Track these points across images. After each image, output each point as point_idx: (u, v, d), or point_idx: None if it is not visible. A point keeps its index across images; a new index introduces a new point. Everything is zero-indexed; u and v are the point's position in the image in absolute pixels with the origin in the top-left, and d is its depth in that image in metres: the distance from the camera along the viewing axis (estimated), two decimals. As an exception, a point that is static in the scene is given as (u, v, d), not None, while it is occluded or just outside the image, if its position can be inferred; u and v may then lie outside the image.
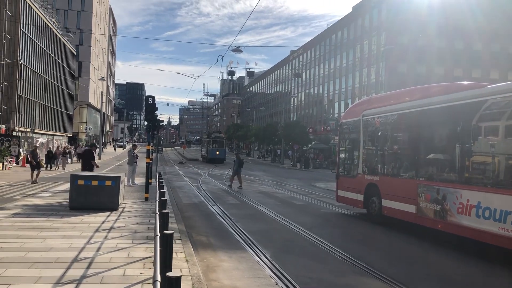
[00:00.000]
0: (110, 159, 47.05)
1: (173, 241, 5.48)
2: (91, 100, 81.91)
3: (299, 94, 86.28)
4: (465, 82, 13.08)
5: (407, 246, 10.32)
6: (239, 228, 11.32)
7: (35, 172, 20.61)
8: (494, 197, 8.66)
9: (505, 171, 8.71)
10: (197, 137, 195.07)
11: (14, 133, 41.38)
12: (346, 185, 14.99)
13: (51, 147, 39.22)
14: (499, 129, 8.94)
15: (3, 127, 39.04)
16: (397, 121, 12.62)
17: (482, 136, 9.45)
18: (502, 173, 8.79)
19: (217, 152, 52.40)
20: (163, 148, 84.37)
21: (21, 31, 43.97)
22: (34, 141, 42.17)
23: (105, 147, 77.28)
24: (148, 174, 16.33)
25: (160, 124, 20.33)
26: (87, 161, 17.10)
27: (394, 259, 9.01)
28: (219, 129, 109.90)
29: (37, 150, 22.17)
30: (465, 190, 9.36)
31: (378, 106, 13.78)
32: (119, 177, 13.18)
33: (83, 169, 16.83)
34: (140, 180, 22.04)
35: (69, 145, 48.11)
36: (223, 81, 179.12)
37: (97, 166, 17.82)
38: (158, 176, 15.00)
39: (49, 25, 54.56)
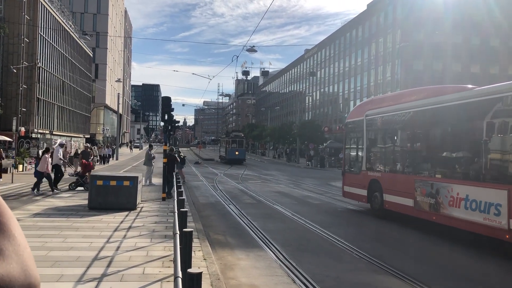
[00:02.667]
0: (127, 160, 47.50)
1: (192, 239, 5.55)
2: (107, 102, 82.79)
3: (314, 93, 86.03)
4: (469, 86, 12.81)
5: (423, 244, 10.25)
6: (256, 227, 11.37)
7: (87, 173, 19.93)
8: (480, 191, 9.39)
9: (488, 167, 9.58)
10: (212, 137, 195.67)
11: (33, 135, 42.06)
12: (352, 181, 15.77)
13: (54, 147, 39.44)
14: (483, 128, 9.73)
15: (23, 129, 39.73)
16: (395, 120, 13.50)
17: (468, 135, 10.51)
18: (485, 169, 9.62)
19: (237, 152, 49.66)
20: (180, 148, 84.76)
21: (39, 35, 44.69)
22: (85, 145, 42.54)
23: (124, 147, 78.06)
24: (165, 174, 16.47)
25: (176, 124, 20.48)
26: (172, 164, 17.68)
27: (410, 257, 8.98)
28: (234, 129, 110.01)
29: (89, 150, 21.70)
30: (455, 184, 10.19)
31: (380, 106, 14.64)
32: (136, 177, 13.34)
33: (168, 171, 17.02)
34: (157, 180, 22.23)
35: (91, 145, 48.51)
36: (238, 81, 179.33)
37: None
38: (175, 176, 15.12)
39: (66, 28, 55.34)
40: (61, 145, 20.31)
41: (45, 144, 43.24)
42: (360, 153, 15.58)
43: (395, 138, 13.90)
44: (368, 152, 14.94)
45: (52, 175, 17.33)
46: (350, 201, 16.71)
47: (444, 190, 10.48)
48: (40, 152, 36.14)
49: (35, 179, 16.86)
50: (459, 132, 10.87)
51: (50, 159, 17.05)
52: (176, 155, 21.98)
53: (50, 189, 16.84)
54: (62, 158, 18.80)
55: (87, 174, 17.88)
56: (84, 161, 19.67)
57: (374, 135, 14.87)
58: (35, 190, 16.37)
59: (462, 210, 9.79)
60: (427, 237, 10.95)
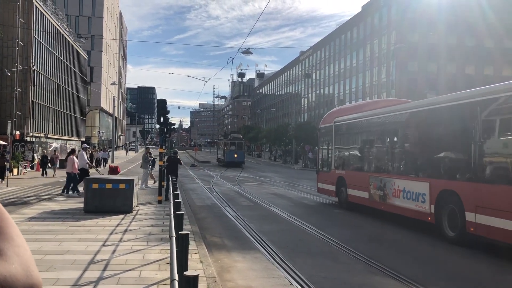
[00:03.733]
0: (123, 163, 47.37)
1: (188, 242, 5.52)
2: (103, 105, 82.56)
3: (310, 95, 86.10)
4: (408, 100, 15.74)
5: (419, 245, 10.27)
6: (252, 229, 11.36)
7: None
8: (412, 183, 11.86)
9: (416, 165, 12.21)
10: (208, 140, 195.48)
11: (28, 139, 41.90)
12: (324, 178, 18.20)
13: (45, 151, 39.18)
14: (414, 135, 12.82)
15: (18, 132, 39.55)
16: (355, 126, 16.14)
17: (402, 140, 13.25)
18: (415, 166, 12.27)
19: (236, 155, 47.46)
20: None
21: (34, 38, 44.54)
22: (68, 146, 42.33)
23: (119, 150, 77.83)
24: (161, 177, 16.44)
25: (172, 127, 20.47)
26: (174, 166, 18.07)
27: (406, 258, 8.98)
28: (230, 131, 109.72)
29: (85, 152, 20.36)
30: (396, 179, 12.71)
31: (345, 114, 17.24)
32: (132, 180, 13.31)
33: (168, 173, 17.33)
34: (152, 183, 22.19)
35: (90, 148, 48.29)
36: (233, 83, 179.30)
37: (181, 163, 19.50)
38: (171, 179, 15.09)
39: (61, 31, 55.19)
40: (85, 148, 20.69)
41: (40, 148, 43.13)
42: (330, 154, 17.99)
43: (355, 141, 16.40)
44: (336, 153, 17.47)
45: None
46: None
47: (389, 184, 12.94)
48: (35, 155, 36.10)
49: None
50: (397, 137, 13.60)
51: (77, 160, 17.17)
52: (151, 157, 21.98)
53: (62, 191, 17.12)
54: (88, 161, 19.16)
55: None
56: (111, 165, 19.88)
57: (340, 139, 17.34)
58: (75, 191, 16.73)
59: (401, 200, 12.25)
60: (422, 238, 10.97)
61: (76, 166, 17.18)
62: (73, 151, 18.22)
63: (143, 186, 20.90)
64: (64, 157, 32.54)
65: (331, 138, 17.69)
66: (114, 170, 18.98)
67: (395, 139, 13.66)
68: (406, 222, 12.46)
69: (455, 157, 10.61)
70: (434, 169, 11.27)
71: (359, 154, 15.79)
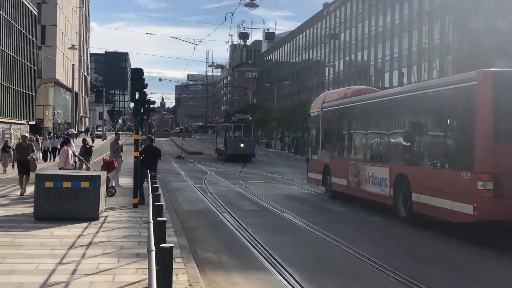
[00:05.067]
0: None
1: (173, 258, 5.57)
2: (59, 77, 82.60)
3: (337, 63, 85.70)
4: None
5: (480, 265, 10.30)
6: (259, 242, 11.44)
7: (24, 178, 18.12)
8: (378, 169, 16.18)
9: (381, 153, 16.88)
10: (200, 123, 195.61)
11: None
12: (312, 167, 22.09)
13: None
14: (378, 125, 17.09)
15: None
16: (337, 113, 20.04)
17: (371, 129, 17.41)
18: (379, 154, 16.91)
19: (242, 144, 44.45)
20: (156, 138, 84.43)
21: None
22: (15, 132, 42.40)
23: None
24: (138, 172, 16.49)
25: (151, 106, 20.50)
26: (151, 159, 17.49)
27: (460, 278, 9.01)
28: (233, 111, 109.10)
29: (28, 143, 19.92)
30: (368, 166, 16.99)
31: (332, 100, 21.07)
32: (98, 177, 13.32)
33: (144, 166, 16.92)
34: (126, 181, 22.28)
35: (33, 136, 48.39)
36: (233, 47, 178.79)
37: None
38: (150, 175, 15.18)
39: (2, -23, 55.12)
40: (71, 134, 22.82)
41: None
42: (317, 142, 21.73)
43: (338, 128, 20.12)
44: (323, 141, 21.22)
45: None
46: (384, 210, 16.72)
47: (363, 171, 17.12)
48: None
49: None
50: (370, 127, 17.49)
51: (71, 152, 17.19)
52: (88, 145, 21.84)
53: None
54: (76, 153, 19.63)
55: (108, 176, 17.24)
56: (105, 158, 19.57)
57: (326, 126, 21.09)
58: None
59: (371, 185, 16.42)
60: (476, 251, 11.00)
61: (71, 160, 17.06)
62: (67, 141, 18.16)
63: (113, 184, 20.99)
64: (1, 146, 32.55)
65: (318, 125, 21.62)
66: (110, 166, 18.37)
67: (366, 129, 17.70)
68: (455, 229, 12.49)
69: (407, 145, 14.95)
70: (393, 156, 15.83)
71: (340, 142, 19.78)
